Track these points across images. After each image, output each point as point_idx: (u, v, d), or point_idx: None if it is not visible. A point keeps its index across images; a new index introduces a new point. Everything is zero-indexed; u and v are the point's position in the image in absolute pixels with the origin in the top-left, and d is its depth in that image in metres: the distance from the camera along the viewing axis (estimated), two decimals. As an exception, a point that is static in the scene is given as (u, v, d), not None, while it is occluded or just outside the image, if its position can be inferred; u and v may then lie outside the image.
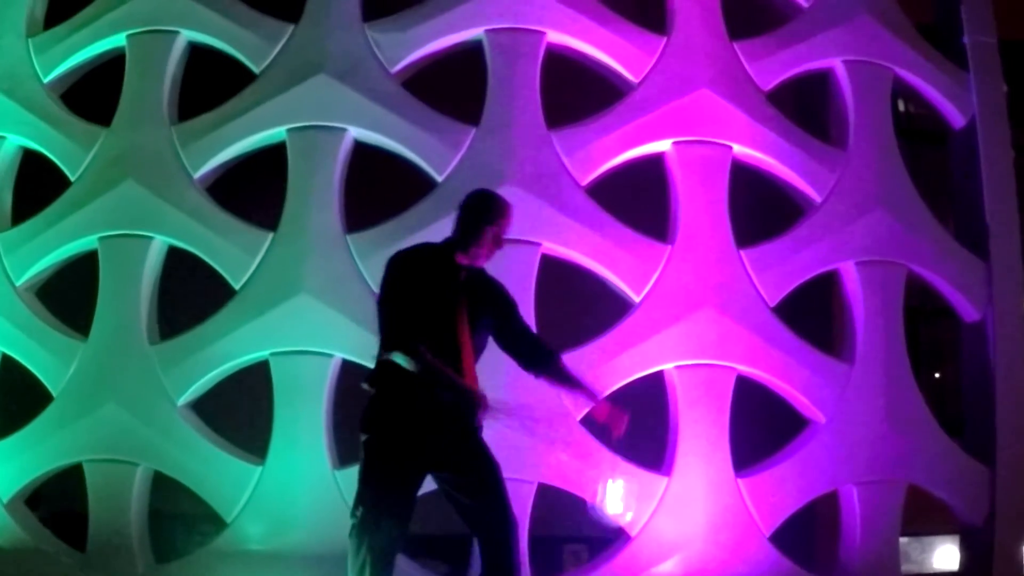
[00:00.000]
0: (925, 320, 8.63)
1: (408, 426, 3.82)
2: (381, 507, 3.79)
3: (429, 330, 3.81)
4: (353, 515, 3.85)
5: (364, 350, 6.12)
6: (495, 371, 5.98)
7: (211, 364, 6.29)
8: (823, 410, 6.54)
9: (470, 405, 3.78)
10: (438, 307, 3.84)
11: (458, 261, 3.94)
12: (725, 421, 6.35)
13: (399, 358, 3.78)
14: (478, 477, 3.88)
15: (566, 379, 4.10)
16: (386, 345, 3.84)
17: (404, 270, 3.94)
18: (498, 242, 3.95)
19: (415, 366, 3.75)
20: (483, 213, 3.95)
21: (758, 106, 6.69)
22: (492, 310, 4.00)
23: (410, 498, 3.87)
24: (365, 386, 3.93)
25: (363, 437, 3.89)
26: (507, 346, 4.11)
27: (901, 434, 6.59)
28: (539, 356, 4.10)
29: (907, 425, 6.62)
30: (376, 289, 6.09)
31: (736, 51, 6.74)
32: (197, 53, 6.84)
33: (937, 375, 9.20)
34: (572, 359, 6.17)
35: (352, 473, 6.02)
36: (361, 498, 3.84)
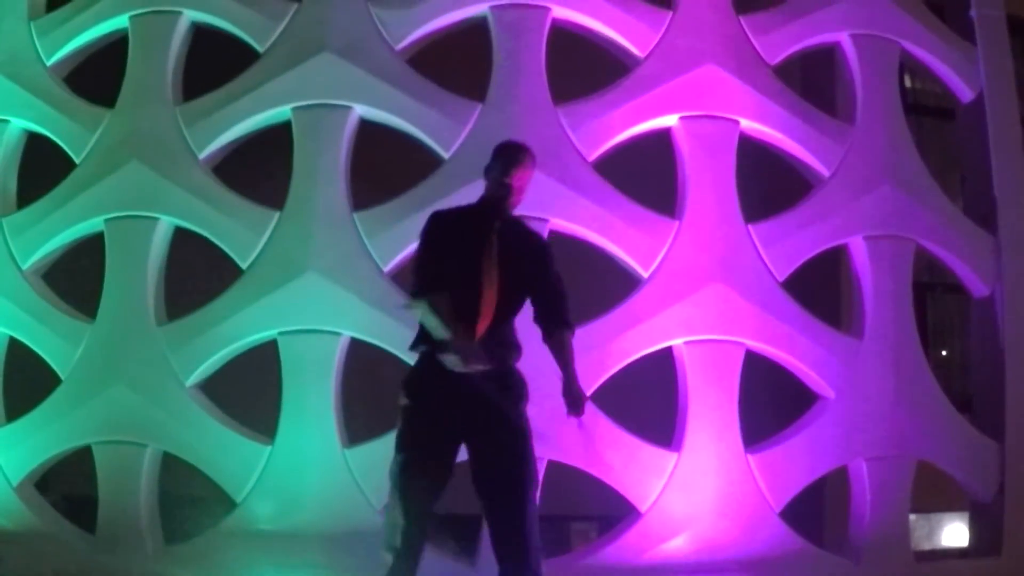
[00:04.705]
0: (933, 296, 8.61)
1: (440, 393, 3.87)
2: (409, 474, 3.85)
3: (449, 280, 3.86)
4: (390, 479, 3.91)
5: (372, 328, 6.14)
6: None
7: (219, 344, 6.27)
8: (832, 385, 6.52)
9: (462, 352, 3.76)
10: (461, 257, 3.90)
11: (488, 213, 3.99)
12: (734, 397, 6.33)
13: (416, 308, 3.86)
14: (498, 451, 3.90)
15: (558, 357, 4.05)
16: (412, 294, 3.96)
17: (432, 224, 4.04)
18: (498, 185, 3.97)
19: (422, 313, 3.85)
20: (490, 161, 4.06)
21: (765, 80, 6.65)
22: (522, 263, 3.99)
23: (441, 467, 3.89)
24: (409, 350, 4.03)
25: (401, 402, 3.96)
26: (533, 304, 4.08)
27: (910, 409, 6.58)
28: (549, 323, 4.07)
29: (916, 400, 6.61)
30: (383, 267, 6.21)
31: (742, 25, 6.70)
32: (200, 33, 6.81)
33: (944, 352, 9.17)
34: (580, 336, 6.21)
35: (362, 452, 6.11)
36: (393, 463, 3.90)
